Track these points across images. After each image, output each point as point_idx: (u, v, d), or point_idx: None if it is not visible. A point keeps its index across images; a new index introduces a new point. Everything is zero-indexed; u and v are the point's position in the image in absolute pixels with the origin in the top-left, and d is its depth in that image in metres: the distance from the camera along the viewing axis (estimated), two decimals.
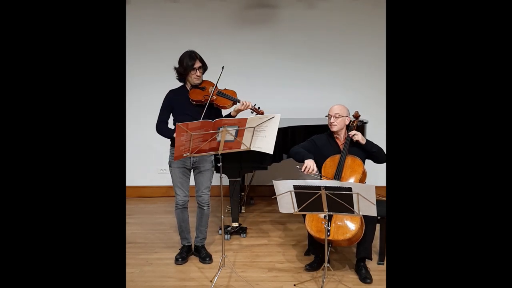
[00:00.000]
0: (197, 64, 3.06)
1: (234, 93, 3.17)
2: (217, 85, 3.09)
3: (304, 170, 2.92)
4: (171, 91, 3.22)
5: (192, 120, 2.67)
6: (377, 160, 3.17)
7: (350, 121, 3.18)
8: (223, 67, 3.02)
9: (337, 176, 2.98)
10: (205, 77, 3.18)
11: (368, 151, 3.12)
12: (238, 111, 3.11)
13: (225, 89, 3.17)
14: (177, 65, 3.11)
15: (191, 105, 3.10)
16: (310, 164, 2.93)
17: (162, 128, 3.14)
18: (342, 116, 3.11)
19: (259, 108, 3.10)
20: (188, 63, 3.04)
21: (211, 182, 3.26)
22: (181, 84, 3.20)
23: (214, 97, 3.07)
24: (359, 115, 3.24)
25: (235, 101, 3.10)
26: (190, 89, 3.15)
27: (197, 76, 3.09)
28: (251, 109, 3.08)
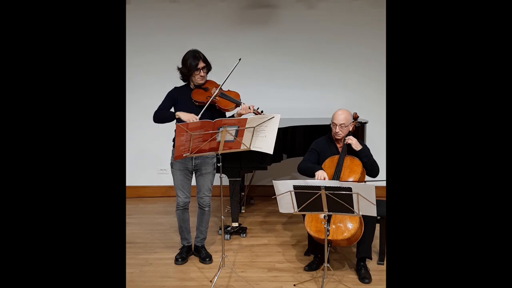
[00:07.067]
0: (201, 64, 3.01)
1: (238, 95, 3.12)
2: (221, 86, 3.03)
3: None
4: (176, 87, 3.17)
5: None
6: (367, 170, 3.08)
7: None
8: (239, 59, 2.99)
9: (336, 176, 2.98)
10: (209, 76, 3.14)
11: (360, 159, 3.08)
12: (240, 114, 3.05)
13: (228, 90, 3.12)
14: (179, 65, 3.06)
15: (194, 105, 3.05)
16: (320, 174, 2.96)
17: (159, 114, 3.04)
18: (347, 126, 3.11)
19: (262, 112, 3.03)
20: (192, 63, 2.99)
21: (212, 184, 3.25)
22: (184, 83, 3.16)
23: (217, 98, 3.03)
24: (358, 116, 3.24)
25: (238, 104, 3.05)
26: (193, 89, 3.11)
27: (201, 76, 3.04)
28: (253, 112, 3.02)
